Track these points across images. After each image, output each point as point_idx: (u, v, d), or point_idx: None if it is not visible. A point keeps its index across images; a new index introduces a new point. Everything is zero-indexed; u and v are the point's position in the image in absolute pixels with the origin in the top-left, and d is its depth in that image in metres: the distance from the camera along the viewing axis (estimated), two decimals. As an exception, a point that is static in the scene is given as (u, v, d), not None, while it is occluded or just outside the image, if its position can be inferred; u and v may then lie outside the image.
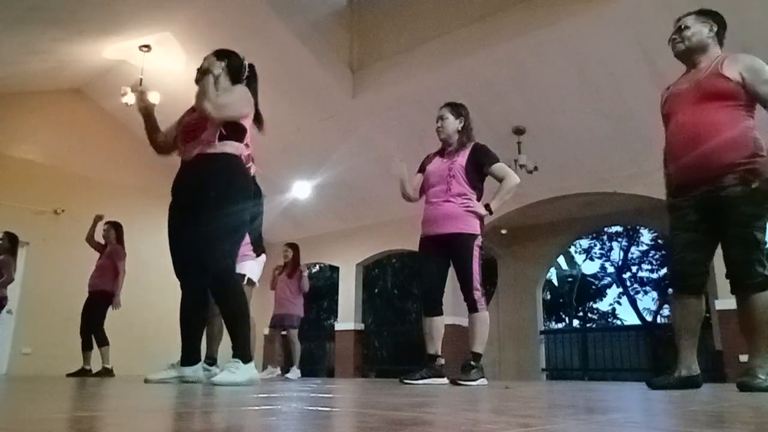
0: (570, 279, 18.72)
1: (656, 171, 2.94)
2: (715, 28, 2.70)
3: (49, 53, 7.05)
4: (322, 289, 16.06)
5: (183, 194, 2.72)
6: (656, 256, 17.21)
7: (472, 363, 3.28)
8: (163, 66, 7.43)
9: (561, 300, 18.68)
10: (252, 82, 2.89)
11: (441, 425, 0.93)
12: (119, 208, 6.98)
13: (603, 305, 19.38)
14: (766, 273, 2.43)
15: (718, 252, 2.59)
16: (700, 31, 2.69)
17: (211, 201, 2.59)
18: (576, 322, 18.70)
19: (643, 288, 17.74)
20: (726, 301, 5.51)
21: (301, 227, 9.81)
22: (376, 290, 16.84)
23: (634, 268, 17.97)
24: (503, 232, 9.79)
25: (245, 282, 3.95)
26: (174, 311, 2.74)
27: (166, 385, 2.44)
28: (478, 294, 3.33)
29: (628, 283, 17.92)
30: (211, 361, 4.04)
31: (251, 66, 2.92)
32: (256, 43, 6.08)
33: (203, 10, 6.70)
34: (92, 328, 5.79)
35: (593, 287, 19.21)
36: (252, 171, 2.82)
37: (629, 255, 17.98)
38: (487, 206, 3.38)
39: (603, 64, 6.06)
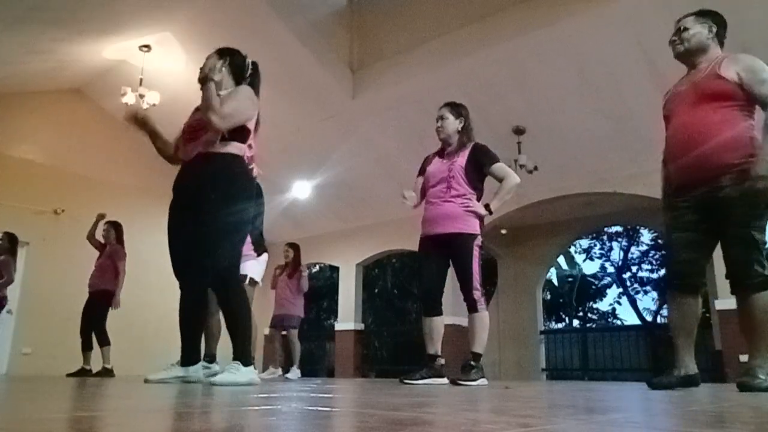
0: (570, 279, 18.73)
1: (656, 171, 2.94)
2: (715, 29, 2.70)
3: (49, 53, 7.05)
4: (322, 289, 16.07)
5: (183, 194, 2.71)
6: (656, 256, 17.20)
7: (472, 363, 3.28)
8: (163, 66, 7.44)
9: (561, 300, 18.69)
10: (255, 80, 2.85)
11: (441, 425, 0.93)
12: (119, 208, 6.98)
13: (603, 305, 19.41)
14: (765, 273, 2.43)
15: (719, 252, 2.59)
16: (699, 32, 2.69)
17: (211, 201, 2.57)
18: (576, 322, 18.71)
19: (643, 288, 17.75)
20: (726, 301, 5.51)
21: (301, 227, 9.82)
22: (376, 290, 16.85)
23: (634, 268, 17.98)
24: (503, 232, 9.79)
25: (247, 282, 3.96)
26: (174, 311, 2.73)
27: (166, 385, 2.44)
28: (478, 294, 3.32)
29: (628, 283, 17.92)
30: (210, 358, 4.05)
31: (254, 64, 2.89)
32: (256, 43, 6.02)
33: (203, 10, 6.70)
34: (94, 328, 5.79)
35: (593, 287, 19.22)
36: (254, 172, 2.79)
37: (629, 255, 17.99)
38: (487, 206, 3.38)
39: (603, 64, 6.06)
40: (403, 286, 16.79)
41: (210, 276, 2.71)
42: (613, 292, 18.96)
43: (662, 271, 16.60)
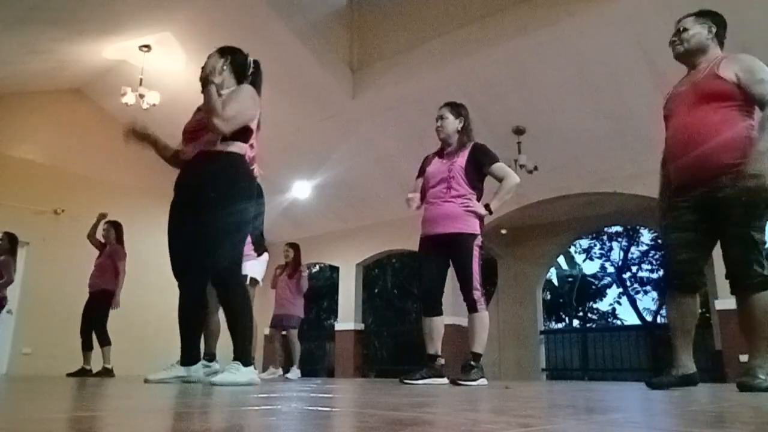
0: (570, 279, 18.73)
1: (656, 171, 2.94)
2: (714, 29, 2.70)
3: (49, 53, 7.05)
4: (322, 289, 16.07)
5: (184, 192, 2.70)
6: (656, 256, 17.19)
7: (472, 363, 3.28)
8: (163, 66, 7.44)
9: (561, 300, 18.69)
10: (257, 79, 2.84)
11: (441, 425, 0.93)
12: (119, 208, 6.98)
13: (603, 305, 19.41)
14: (765, 273, 2.43)
15: (719, 252, 2.59)
16: (699, 32, 2.69)
17: (211, 200, 2.57)
18: (576, 322, 18.71)
19: (643, 288, 17.74)
20: (726, 301, 5.51)
21: (301, 227, 9.82)
22: (376, 290, 16.85)
23: (634, 268, 17.97)
24: (503, 232, 9.79)
25: (248, 282, 3.96)
26: (174, 311, 2.73)
27: (166, 385, 2.44)
28: (477, 294, 3.32)
29: (628, 283, 17.92)
30: (210, 357, 4.06)
31: (256, 62, 2.87)
32: (256, 43, 6.01)
33: (203, 10, 6.70)
34: (95, 328, 5.80)
35: (593, 287, 19.22)
36: (255, 172, 2.77)
37: (629, 255, 17.99)
38: (487, 206, 3.38)
39: (603, 64, 6.06)
40: (403, 286, 16.79)
41: (208, 276, 2.70)
42: (613, 292, 18.99)
43: (662, 271, 16.58)
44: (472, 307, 3.33)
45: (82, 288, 5.89)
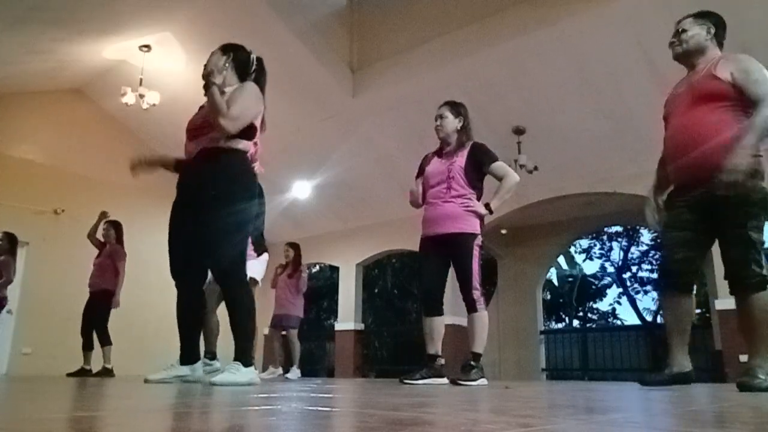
0: (570, 279, 18.74)
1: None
2: (713, 30, 2.70)
3: (49, 53, 7.05)
4: (322, 289, 16.07)
5: (186, 191, 2.69)
6: (656, 256, 17.18)
7: (472, 363, 3.28)
8: (163, 66, 7.44)
9: (561, 300, 18.69)
10: (260, 77, 2.82)
11: (441, 425, 0.93)
12: (119, 208, 6.97)
13: (603, 305, 19.42)
14: (763, 273, 2.44)
15: (719, 252, 2.59)
16: (698, 33, 2.70)
17: (212, 199, 2.56)
18: (576, 322, 18.71)
19: (643, 288, 17.76)
20: (726, 301, 5.51)
21: (301, 227, 9.82)
22: (376, 290, 16.85)
23: (634, 268, 17.99)
24: (503, 232, 9.79)
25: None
26: (174, 311, 2.73)
27: (166, 385, 2.44)
28: (477, 294, 3.32)
29: (628, 283, 17.93)
30: (211, 356, 4.06)
31: (259, 60, 2.86)
32: (256, 43, 5.99)
33: (203, 10, 6.70)
34: (96, 328, 5.80)
35: (593, 287, 19.23)
36: (256, 170, 2.76)
37: (629, 255, 18.00)
38: (487, 206, 3.38)
39: (603, 64, 6.06)
40: (403, 286, 16.79)
41: (207, 276, 2.70)
42: (613, 292, 19.01)
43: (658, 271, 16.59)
44: (471, 307, 3.33)
45: (82, 288, 5.90)
